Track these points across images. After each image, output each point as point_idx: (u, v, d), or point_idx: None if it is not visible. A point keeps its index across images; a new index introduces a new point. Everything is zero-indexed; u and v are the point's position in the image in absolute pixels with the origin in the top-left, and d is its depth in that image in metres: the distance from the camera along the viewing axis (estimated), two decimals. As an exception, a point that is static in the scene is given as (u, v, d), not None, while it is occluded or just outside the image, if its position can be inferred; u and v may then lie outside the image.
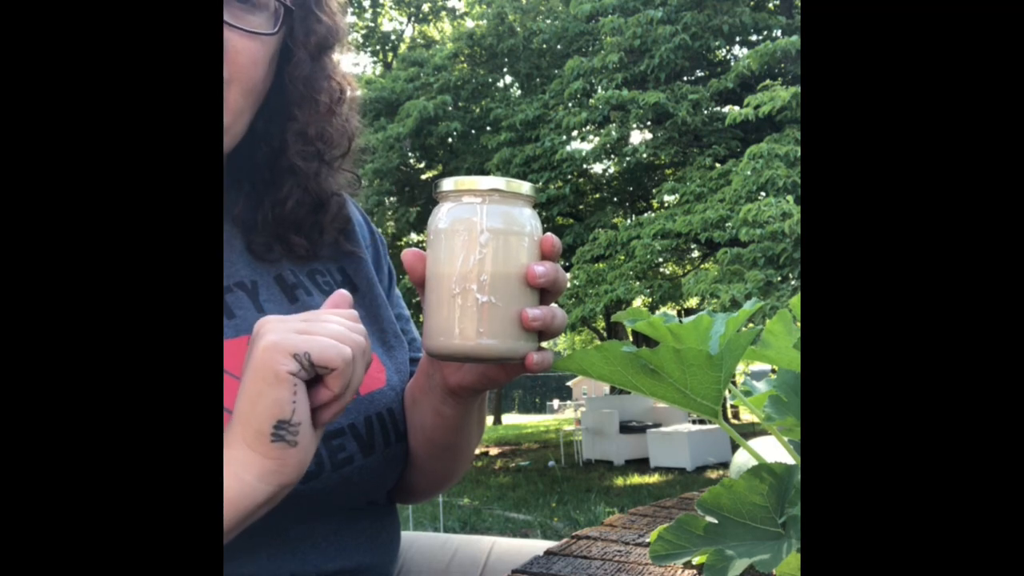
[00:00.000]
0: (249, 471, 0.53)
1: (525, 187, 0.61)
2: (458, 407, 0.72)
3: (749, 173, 7.49)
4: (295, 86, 0.75)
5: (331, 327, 0.56)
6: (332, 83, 0.78)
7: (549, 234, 0.62)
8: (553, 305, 0.62)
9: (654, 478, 8.18)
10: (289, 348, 0.53)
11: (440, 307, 0.59)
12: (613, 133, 9.68)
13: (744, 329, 0.53)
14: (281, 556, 0.69)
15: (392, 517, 0.84)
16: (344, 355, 0.54)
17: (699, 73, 10.75)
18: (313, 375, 0.55)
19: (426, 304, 0.61)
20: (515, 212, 0.60)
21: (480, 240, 0.58)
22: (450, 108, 10.84)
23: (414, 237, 13.20)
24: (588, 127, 10.15)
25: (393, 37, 17.63)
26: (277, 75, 0.74)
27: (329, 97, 0.77)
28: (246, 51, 0.67)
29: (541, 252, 0.61)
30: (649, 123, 10.07)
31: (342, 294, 0.62)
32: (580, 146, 10.50)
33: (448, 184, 0.61)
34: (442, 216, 0.60)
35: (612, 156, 10.35)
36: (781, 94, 7.47)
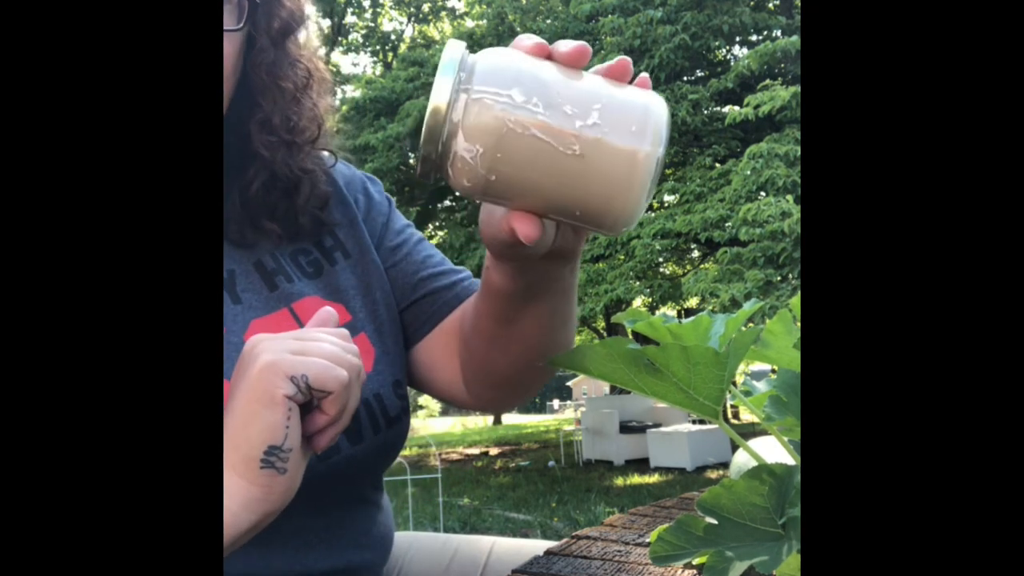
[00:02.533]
0: (233, 499, 0.50)
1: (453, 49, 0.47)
2: (506, 275, 0.61)
3: (749, 173, 7.49)
4: (258, 74, 0.73)
5: (326, 348, 0.53)
6: (297, 68, 0.76)
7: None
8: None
9: (654, 478, 8.18)
10: (287, 370, 0.51)
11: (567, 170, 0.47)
12: (613, 133, 9.64)
13: (746, 328, 0.53)
14: (272, 553, 0.67)
15: (384, 513, 0.83)
16: (341, 379, 0.52)
17: (699, 73, 10.75)
18: (309, 398, 0.52)
19: (557, 187, 0.47)
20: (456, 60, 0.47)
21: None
22: (450, 108, 10.80)
23: (414, 237, 13.16)
24: (588, 127, 10.11)
25: (393, 37, 17.63)
26: (243, 64, 0.72)
27: (294, 83, 0.75)
28: None
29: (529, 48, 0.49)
30: (649, 123, 10.03)
31: (327, 312, 0.60)
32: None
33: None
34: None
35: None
36: (781, 94, 7.47)
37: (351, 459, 0.71)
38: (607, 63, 0.50)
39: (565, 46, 0.48)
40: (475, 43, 11.76)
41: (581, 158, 0.46)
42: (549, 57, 0.49)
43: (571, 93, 0.47)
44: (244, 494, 0.50)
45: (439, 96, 0.46)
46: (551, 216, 0.50)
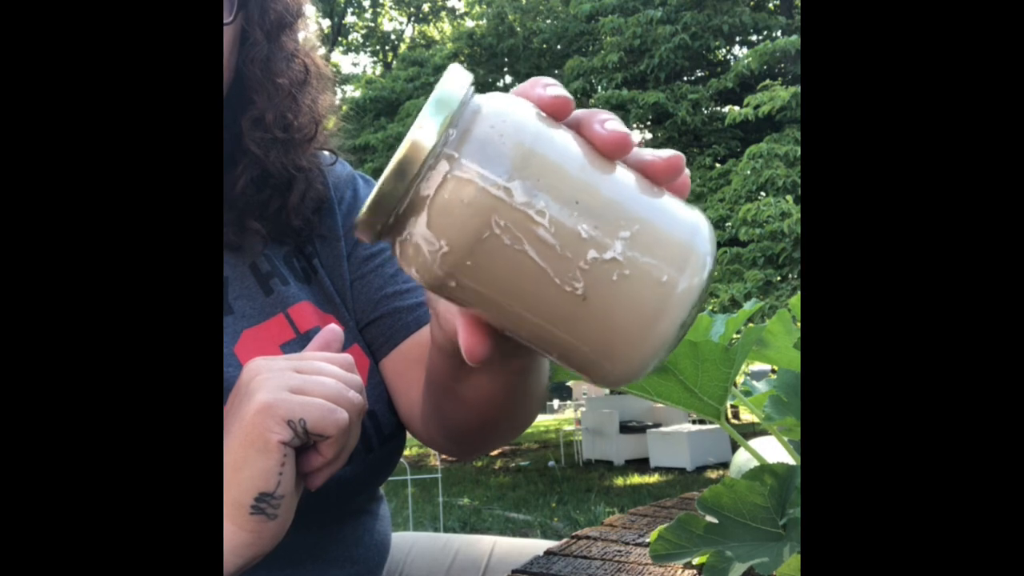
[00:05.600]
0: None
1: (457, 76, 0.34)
2: (507, 371, 0.53)
3: (749, 173, 7.50)
4: (252, 70, 0.69)
5: (327, 385, 0.49)
6: (293, 64, 0.72)
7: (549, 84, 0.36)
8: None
9: (654, 478, 8.18)
10: (283, 414, 0.47)
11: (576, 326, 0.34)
12: (613, 133, 9.65)
13: (748, 326, 0.53)
14: (256, 571, 0.61)
15: (380, 521, 0.81)
16: (341, 423, 0.49)
17: (699, 73, 10.76)
18: (305, 441, 0.49)
19: (541, 342, 0.35)
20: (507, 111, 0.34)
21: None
22: (450, 108, 10.82)
23: (414, 237, 13.15)
24: (588, 127, 10.12)
25: (393, 37, 17.63)
26: (237, 59, 0.68)
27: (289, 79, 0.71)
28: None
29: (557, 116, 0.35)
30: (649, 123, 10.06)
31: (333, 332, 0.56)
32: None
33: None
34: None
35: (612, 156, 10.33)
36: (781, 94, 7.48)
37: (342, 480, 0.66)
38: (654, 156, 0.36)
39: (605, 126, 0.34)
40: (475, 43, 11.77)
41: (582, 300, 0.33)
42: (575, 126, 0.35)
43: (596, 204, 0.33)
44: (232, 539, 0.48)
45: (413, 147, 0.32)
46: (516, 338, 0.36)
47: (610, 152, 0.34)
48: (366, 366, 0.72)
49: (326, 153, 0.80)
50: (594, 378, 0.36)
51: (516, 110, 0.34)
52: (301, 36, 0.75)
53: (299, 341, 0.70)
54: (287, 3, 0.72)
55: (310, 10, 0.77)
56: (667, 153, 0.36)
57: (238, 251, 0.71)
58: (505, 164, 0.32)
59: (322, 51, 0.79)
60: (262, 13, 0.70)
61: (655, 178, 0.35)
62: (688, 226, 0.35)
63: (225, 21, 0.64)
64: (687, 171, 0.37)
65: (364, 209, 0.34)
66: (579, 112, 0.36)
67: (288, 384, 0.49)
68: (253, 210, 0.71)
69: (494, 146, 0.32)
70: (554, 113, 0.35)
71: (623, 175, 0.35)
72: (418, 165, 0.32)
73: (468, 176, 0.32)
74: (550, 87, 0.35)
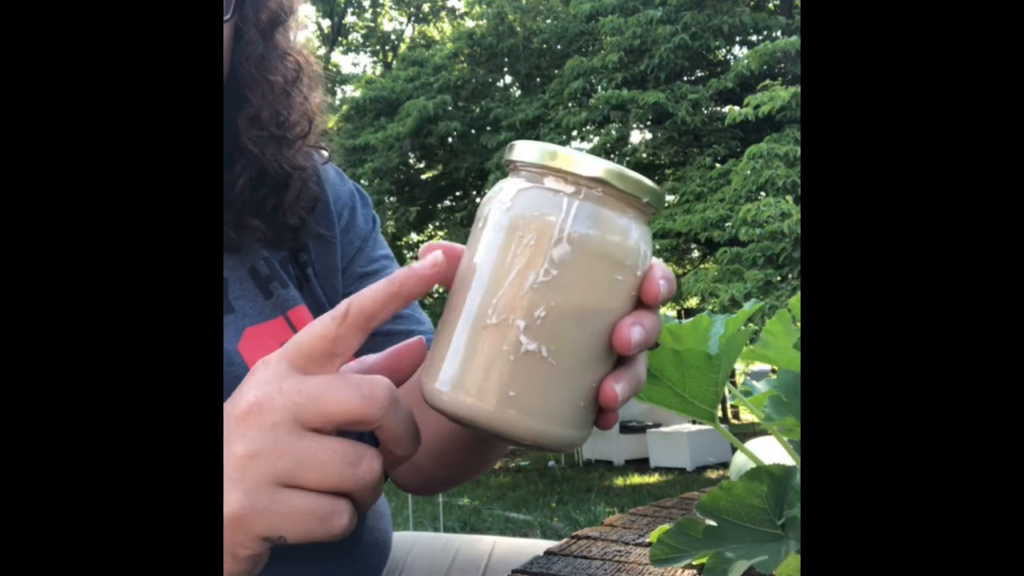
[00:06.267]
0: None
1: (646, 185, 0.40)
2: None
3: (749, 173, 7.50)
4: (247, 67, 0.69)
5: (327, 467, 0.40)
6: (286, 61, 0.72)
7: (660, 264, 0.41)
8: (639, 365, 0.42)
9: (654, 478, 8.18)
10: (260, 531, 0.39)
11: (458, 337, 0.39)
12: (613, 133, 9.69)
13: (745, 328, 0.53)
14: None
15: (379, 518, 0.81)
16: (333, 531, 0.40)
17: (699, 73, 10.76)
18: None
19: (441, 325, 0.41)
20: (621, 224, 0.39)
21: (554, 253, 0.38)
22: (450, 108, 10.85)
23: (414, 237, 13.20)
24: (588, 127, 10.16)
25: (393, 37, 17.63)
26: (231, 57, 0.69)
27: (283, 77, 0.71)
28: None
29: (643, 295, 0.40)
30: (649, 123, 10.07)
31: (413, 347, 0.45)
32: (580, 146, 10.52)
33: (526, 151, 0.40)
34: (503, 200, 0.40)
35: (612, 156, 10.36)
36: (781, 94, 7.48)
37: None
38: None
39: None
40: (475, 43, 11.77)
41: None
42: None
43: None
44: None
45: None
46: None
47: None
48: None
49: (324, 153, 0.80)
50: (432, 388, 0.41)
51: None
52: (292, 34, 0.75)
53: None
54: (281, 1, 0.72)
55: (305, 8, 0.77)
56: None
57: (237, 252, 0.71)
58: None
59: (322, 51, 0.80)
60: (256, 11, 0.70)
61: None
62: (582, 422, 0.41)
63: (223, 18, 0.64)
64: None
65: None
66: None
67: (276, 471, 0.39)
68: (251, 209, 0.71)
69: None
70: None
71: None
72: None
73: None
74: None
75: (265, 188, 0.71)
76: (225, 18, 0.64)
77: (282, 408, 0.40)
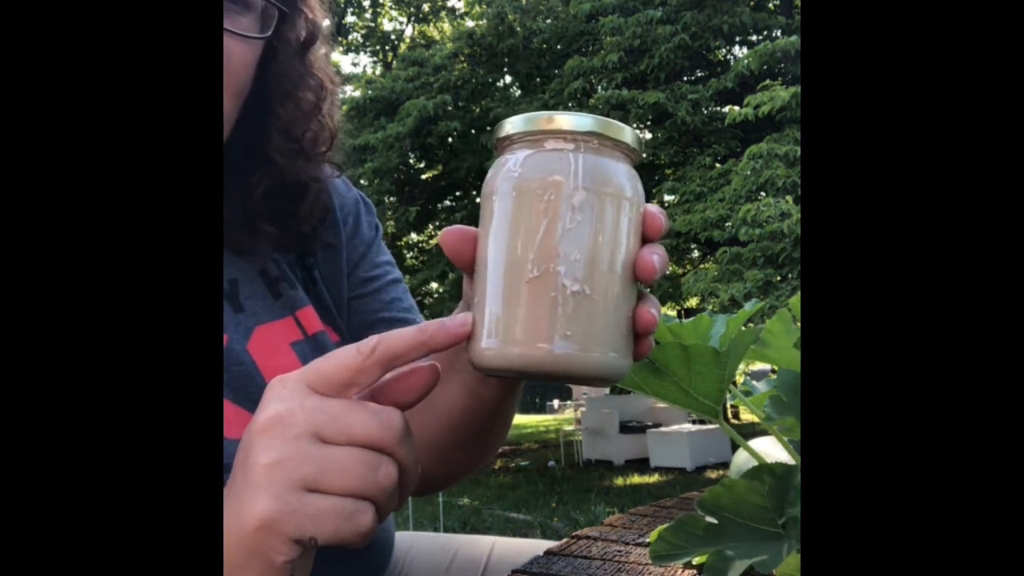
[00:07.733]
0: None
1: (627, 133, 0.45)
2: (502, 386, 0.57)
3: (749, 173, 7.50)
4: (279, 84, 0.72)
5: (350, 474, 0.41)
6: (315, 80, 0.76)
7: (653, 205, 0.47)
8: (654, 297, 0.47)
9: (654, 478, 8.18)
10: (290, 532, 0.40)
11: (502, 298, 0.43)
12: (613, 133, 9.64)
13: (745, 328, 0.53)
14: None
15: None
16: (362, 529, 0.42)
17: (699, 73, 10.76)
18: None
19: (478, 297, 0.45)
20: (619, 167, 0.45)
21: (574, 201, 0.43)
22: (450, 108, 10.85)
23: (414, 237, 13.19)
24: (588, 127, 10.12)
25: (393, 37, 17.63)
26: (259, 72, 0.71)
27: (314, 95, 0.75)
28: (237, 55, 0.65)
29: (647, 230, 0.46)
30: (649, 123, 10.07)
31: (423, 371, 0.46)
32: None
33: (519, 123, 0.45)
34: (512, 169, 0.44)
35: (612, 156, 10.33)
36: (781, 94, 7.48)
37: None
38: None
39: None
40: (475, 43, 11.77)
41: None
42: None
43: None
44: None
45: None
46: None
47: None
48: None
49: (330, 167, 0.83)
50: (487, 351, 0.44)
51: None
52: (321, 52, 0.78)
53: (307, 342, 0.72)
54: (314, 22, 0.76)
55: (327, 24, 0.80)
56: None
57: (249, 255, 0.74)
58: None
59: (328, 55, 0.82)
60: (291, 32, 0.73)
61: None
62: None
63: (260, 36, 0.67)
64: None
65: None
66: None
67: (301, 476, 0.41)
68: (265, 215, 0.73)
69: None
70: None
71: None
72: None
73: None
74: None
75: (283, 197, 0.74)
76: (265, 35, 0.68)
77: (304, 422, 0.42)
